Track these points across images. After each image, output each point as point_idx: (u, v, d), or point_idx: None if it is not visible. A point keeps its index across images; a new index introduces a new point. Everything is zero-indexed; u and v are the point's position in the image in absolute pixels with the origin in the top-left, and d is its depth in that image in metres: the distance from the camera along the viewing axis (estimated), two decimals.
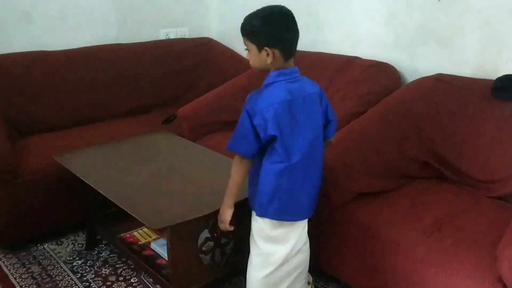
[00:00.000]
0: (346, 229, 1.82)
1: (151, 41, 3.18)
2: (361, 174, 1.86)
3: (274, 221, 1.53)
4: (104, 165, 1.98)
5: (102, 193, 1.73)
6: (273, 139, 1.43)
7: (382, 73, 2.36)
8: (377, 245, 1.69)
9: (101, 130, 2.69)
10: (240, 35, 1.49)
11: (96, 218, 2.16)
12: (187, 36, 3.44)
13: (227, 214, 1.53)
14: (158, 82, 3.08)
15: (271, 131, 1.41)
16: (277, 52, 1.42)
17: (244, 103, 1.45)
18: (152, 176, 1.86)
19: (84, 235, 2.29)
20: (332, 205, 1.83)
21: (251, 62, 1.48)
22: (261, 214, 1.52)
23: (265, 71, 1.48)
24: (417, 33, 2.35)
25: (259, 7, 1.46)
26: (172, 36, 3.38)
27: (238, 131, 1.46)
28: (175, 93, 3.14)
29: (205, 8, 3.50)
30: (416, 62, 2.38)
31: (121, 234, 2.05)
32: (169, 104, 3.09)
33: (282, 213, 1.52)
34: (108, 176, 1.87)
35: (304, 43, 2.86)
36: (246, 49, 1.48)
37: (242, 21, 1.48)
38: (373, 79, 2.32)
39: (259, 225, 1.55)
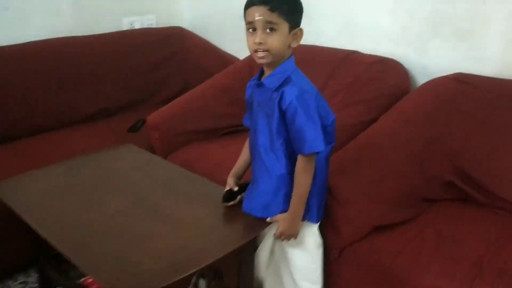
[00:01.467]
0: (360, 274, 1.48)
1: (113, 32, 2.72)
2: (376, 203, 1.52)
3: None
4: (53, 197, 1.56)
5: (48, 240, 1.33)
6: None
7: (389, 71, 2.00)
8: None
9: (55, 142, 2.27)
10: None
11: (49, 258, 1.74)
12: (154, 26, 2.99)
13: (299, 228, 1.36)
14: (122, 81, 2.64)
15: (332, 114, 1.38)
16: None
17: (285, 97, 1.26)
18: (119, 213, 1.46)
19: (37, 275, 1.88)
20: (342, 243, 1.49)
21: (274, 44, 1.24)
22: (318, 219, 1.43)
23: (276, 59, 1.28)
24: (429, 24, 1.99)
25: None
26: (137, 26, 2.93)
27: (313, 125, 1.26)
28: (143, 93, 2.72)
29: None
30: (427, 58, 2.03)
31: (81, 280, 1.66)
32: (136, 106, 2.67)
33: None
34: (58, 214, 1.46)
35: None
36: (269, 28, 1.23)
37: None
38: (379, 79, 1.97)
39: (315, 236, 1.46)
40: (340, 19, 2.30)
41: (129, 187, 1.62)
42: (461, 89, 1.76)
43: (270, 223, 1.38)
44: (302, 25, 1.31)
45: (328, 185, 1.47)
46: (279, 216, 1.35)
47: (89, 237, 1.35)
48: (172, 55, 2.82)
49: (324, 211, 1.46)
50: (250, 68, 2.33)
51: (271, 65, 1.30)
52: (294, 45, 1.29)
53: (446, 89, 1.79)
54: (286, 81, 1.28)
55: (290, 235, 1.36)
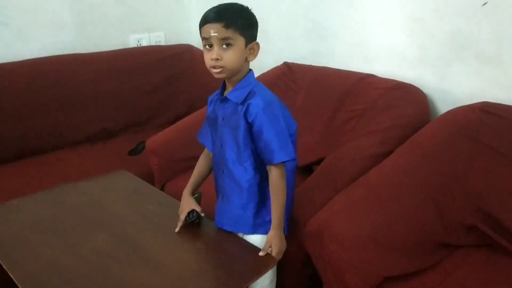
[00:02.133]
0: None
1: (119, 50, 2.63)
2: (387, 250, 1.34)
3: None
4: (32, 231, 1.43)
5: (17, 283, 1.19)
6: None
7: (407, 98, 1.83)
8: None
9: (50, 165, 2.17)
10: None
11: None
12: (162, 43, 2.89)
13: (282, 243, 1.32)
14: (125, 101, 2.54)
15: (294, 123, 1.40)
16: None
17: (250, 110, 1.27)
18: (99, 254, 1.31)
19: None
20: None
21: (230, 59, 1.25)
22: (288, 232, 1.42)
23: (233, 74, 1.29)
24: (450, 46, 1.82)
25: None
26: (144, 43, 2.83)
27: (280, 134, 1.28)
28: (146, 114, 2.61)
29: (183, 9, 2.94)
30: (448, 84, 1.86)
31: None
32: (138, 128, 2.56)
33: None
34: (34, 253, 1.32)
35: (302, 54, 2.35)
36: (225, 44, 1.24)
37: (216, 7, 1.28)
38: (396, 106, 1.79)
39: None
40: (353, 40, 2.14)
41: (114, 222, 1.47)
42: (486, 120, 1.57)
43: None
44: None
45: (332, 228, 1.31)
46: (269, 239, 1.31)
47: (63, 284, 1.20)
48: (180, 73, 2.71)
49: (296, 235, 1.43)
50: None
51: (232, 79, 1.32)
52: (251, 59, 1.31)
53: (469, 120, 1.60)
54: (250, 94, 1.29)
55: (283, 250, 1.33)
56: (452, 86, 1.84)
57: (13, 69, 2.24)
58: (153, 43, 2.86)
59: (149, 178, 1.98)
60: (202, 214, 1.42)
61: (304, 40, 2.34)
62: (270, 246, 1.29)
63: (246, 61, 1.31)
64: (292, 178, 1.43)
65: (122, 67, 2.55)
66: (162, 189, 1.98)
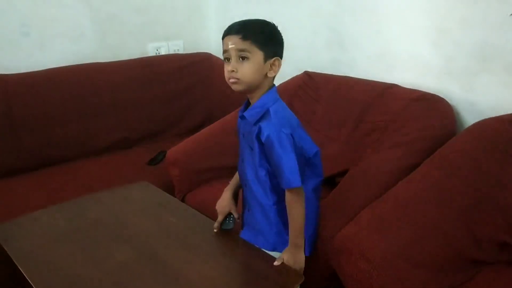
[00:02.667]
0: None
1: (138, 59, 2.63)
2: (417, 267, 1.30)
3: None
4: (54, 244, 1.42)
5: None
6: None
7: (433, 109, 1.79)
8: None
9: (71, 174, 2.16)
10: None
11: None
12: (181, 51, 2.89)
13: (303, 259, 1.32)
14: (144, 110, 2.53)
15: (314, 146, 1.37)
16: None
17: (262, 132, 1.25)
18: (122, 269, 1.29)
19: None
20: None
21: (245, 71, 1.24)
22: (309, 252, 1.39)
23: (251, 88, 1.28)
24: (477, 57, 1.78)
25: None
26: (163, 52, 2.83)
27: (288, 160, 1.24)
28: (165, 123, 2.59)
29: (202, 17, 2.93)
30: (474, 95, 1.82)
31: None
32: (157, 137, 2.55)
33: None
34: (56, 266, 1.31)
35: (324, 63, 2.32)
36: (241, 57, 1.24)
37: (241, 21, 1.28)
38: (422, 117, 1.76)
39: None
40: (375, 49, 2.11)
41: (136, 236, 1.45)
42: None
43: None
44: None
45: (361, 244, 1.28)
46: (283, 255, 1.31)
47: None
48: (199, 81, 2.69)
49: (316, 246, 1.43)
50: None
51: (252, 95, 1.31)
52: (271, 75, 1.28)
53: (498, 132, 1.56)
54: (264, 116, 1.28)
55: (296, 266, 1.31)
56: (478, 97, 1.80)
57: (34, 78, 2.25)
58: (171, 52, 2.86)
59: (169, 188, 1.96)
60: (237, 220, 1.45)
61: (325, 49, 2.32)
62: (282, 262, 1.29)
63: (266, 77, 1.28)
64: (314, 198, 1.41)
65: (141, 75, 2.55)
66: (182, 200, 1.96)
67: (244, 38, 1.23)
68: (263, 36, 1.26)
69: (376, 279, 1.25)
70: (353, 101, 1.99)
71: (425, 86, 1.91)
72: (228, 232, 1.43)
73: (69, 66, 2.38)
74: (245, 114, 1.32)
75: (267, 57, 1.26)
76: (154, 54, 2.79)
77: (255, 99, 1.30)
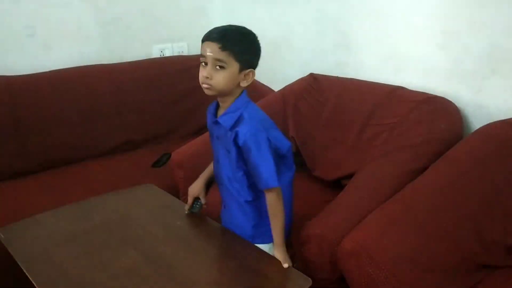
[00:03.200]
0: None
1: (142, 60, 2.62)
2: (426, 272, 1.29)
3: None
4: (59, 247, 1.40)
5: None
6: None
7: (440, 112, 1.78)
8: None
9: (74, 176, 2.16)
10: None
11: None
12: (186, 53, 2.88)
13: (285, 253, 1.33)
14: (148, 112, 2.52)
15: (286, 142, 1.40)
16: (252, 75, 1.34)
17: (239, 137, 1.29)
18: (129, 273, 1.28)
19: None
20: None
21: (218, 80, 1.28)
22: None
23: (223, 94, 1.32)
24: (486, 59, 1.77)
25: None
26: (167, 53, 2.82)
27: (266, 163, 1.29)
28: (169, 125, 2.58)
29: (206, 19, 2.92)
30: (483, 98, 1.80)
31: None
32: (161, 139, 2.54)
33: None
34: (62, 270, 1.30)
35: (330, 66, 2.31)
36: (218, 66, 1.26)
37: (220, 28, 1.30)
38: (429, 120, 1.75)
39: None
40: (382, 51, 2.10)
41: (142, 239, 1.44)
42: None
43: None
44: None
45: (370, 248, 1.27)
46: (277, 256, 1.34)
47: None
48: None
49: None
50: (284, 103, 2.16)
51: (223, 100, 1.35)
52: (243, 84, 1.32)
53: (507, 135, 1.55)
54: (239, 120, 1.31)
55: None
56: (487, 100, 1.78)
57: (38, 80, 2.24)
58: (176, 53, 2.85)
59: (173, 190, 1.94)
60: (204, 206, 1.54)
61: (331, 51, 2.31)
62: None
63: (239, 86, 1.32)
64: (288, 191, 1.45)
65: (146, 77, 2.54)
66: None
67: (223, 48, 1.25)
68: (241, 48, 1.28)
69: (384, 283, 1.24)
70: (359, 104, 1.98)
71: (432, 88, 1.90)
72: (236, 236, 1.42)
73: (73, 67, 2.37)
74: (219, 119, 1.34)
75: (242, 68, 1.29)
76: (159, 56, 2.78)
77: (226, 104, 1.34)
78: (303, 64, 2.40)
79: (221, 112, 1.37)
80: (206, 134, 2.10)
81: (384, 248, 1.28)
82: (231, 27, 1.32)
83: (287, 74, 2.37)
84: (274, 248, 1.35)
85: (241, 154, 1.33)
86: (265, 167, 1.29)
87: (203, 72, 1.30)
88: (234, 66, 1.27)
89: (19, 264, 1.32)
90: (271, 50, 2.60)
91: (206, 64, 1.29)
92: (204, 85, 1.31)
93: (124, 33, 2.62)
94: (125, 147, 2.43)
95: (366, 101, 1.97)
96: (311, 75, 2.25)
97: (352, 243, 1.31)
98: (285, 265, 1.28)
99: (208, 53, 1.27)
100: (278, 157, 1.36)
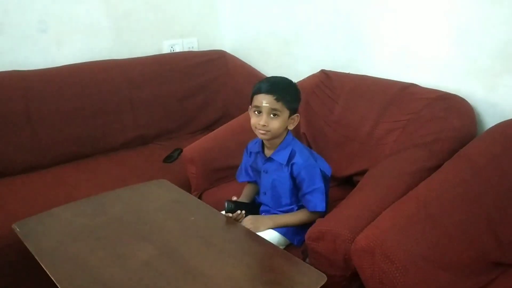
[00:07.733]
0: None
1: (153, 56, 2.63)
2: (441, 269, 1.29)
3: None
4: (76, 241, 1.42)
5: None
6: None
7: (453, 110, 1.77)
8: None
9: (87, 171, 2.17)
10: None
11: None
12: (195, 49, 2.89)
13: (263, 225, 1.54)
14: (160, 107, 2.53)
15: (329, 167, 1.67)
16: None
17: (295, 170, 1.54)
18: (145, 267, 1.29)
19: None
20: None
21: (275, 127, 1.50)
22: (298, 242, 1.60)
23: (275, 137, 1.55)
24: (500, 57, 1.76)
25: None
26: (177, 49, 2.82)
27: (317, 191, 1.54)
28: (180, 120, 2.59)
29: (216, 15, 2.93)
30: (497, 96, 1.79)
31: None
32: (173, 134, 2.55)
33: None
34: (80, 264, 1.31)
35: (341, 62, 2.30)
36: (273, 114, 1.49)
37: (269, 81, 1.54)
38: (442, 118, 1.74)
39: None
40: (393, 48, 2.09)
41: (157, 233, 1.45)
42: None
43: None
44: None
45: (384, 245, 1.27)
46: (255, 217, 1.58)
47: None
48: (213, 79, 2.69)
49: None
50: None
51: (272, 141, 1.57)
52: (290, 127, 1.56)
53: None
54: (292, 155, 1.55)
55: (255, 226, 1.52)
56: (501, 98, 1.78)
57: (51, 75, 2.26)
58: (186, 49, 2.85)
59: (185, 186, 1.96)
60: (234, 198, 1.65)
61: (343, 47, 2.31)
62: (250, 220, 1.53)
63: (286, 128, 1.55)
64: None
65: (157, 73, 2.55)
66: (199, 198, 1.96)
67: (278, 100, 1.47)
68: (291, 98, 1.51)
69: (399, 281, 1.24)
70: (371, 100, 1.98)
71: (445, 86, 1.89)
72: (250, 231, 1.44)
73: (85, 62, 2.38)
74: (273, 156, 1.57)
75: (291, 114, 1.53)
76: (169, 52, 2.78)
77: (275, 143, 1.57)
78: (315, 61, 2.39)
79: (270, 150, 1.59)
80: (217, 130, 2.13)
81: (399, 245, 1.28)
82: (276, 79, 1.56)
83: (298, 70, 2.36)
84: (267, 217, 1.58)
85: (295, 184, 1.56)
86: (316, 194, 1.53)
87: (259, 121, 1.49)
88: (285, 113, 1.50)
89: (36, 257, 1.33)
90: (283, 47, 2.61)
91: (259, 112, 1.50)
92: (261, 131, 1.51)
93: (134, 28, 2.62)
94: (137, 142, 2.44)
95: (378, 98, 1.96)
96: (323, 71, 2.25)
97: (367, 240, 1.31)
98: (249, 226, 1.49)
99: (264, 104, 1.47)
100: (325, 180, 1.58)
